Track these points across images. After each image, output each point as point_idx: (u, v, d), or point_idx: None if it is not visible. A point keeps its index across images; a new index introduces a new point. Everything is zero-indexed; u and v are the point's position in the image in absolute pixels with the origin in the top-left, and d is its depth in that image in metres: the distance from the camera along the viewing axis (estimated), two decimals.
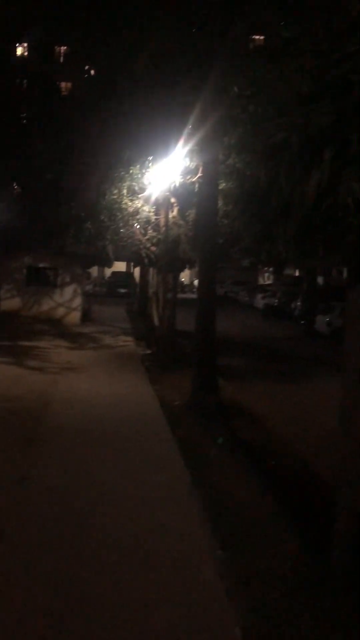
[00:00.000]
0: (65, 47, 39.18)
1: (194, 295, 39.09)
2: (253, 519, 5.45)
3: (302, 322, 25.75)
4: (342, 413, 4.58)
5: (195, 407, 9.73)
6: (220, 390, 10.25)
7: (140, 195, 14.48)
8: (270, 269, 41.31)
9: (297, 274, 39.89)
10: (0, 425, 8.17)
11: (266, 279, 49.81)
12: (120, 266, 42.74)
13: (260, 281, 49.19)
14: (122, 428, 8.33)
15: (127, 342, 18.12)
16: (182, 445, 7.67)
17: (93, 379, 11.93)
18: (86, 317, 23.26)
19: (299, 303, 28.47)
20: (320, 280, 30.24)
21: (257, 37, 12.01)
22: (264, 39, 11.93)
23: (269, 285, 41.57)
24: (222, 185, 12.03)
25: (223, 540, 4.94)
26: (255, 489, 6.26)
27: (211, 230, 10.20)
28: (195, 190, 13.23)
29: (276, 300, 31.75)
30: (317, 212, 3.87)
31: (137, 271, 33.32)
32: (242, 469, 6.90)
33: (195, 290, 47.46)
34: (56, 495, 5.69)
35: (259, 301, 34.71)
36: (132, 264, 35.40)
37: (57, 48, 39.90)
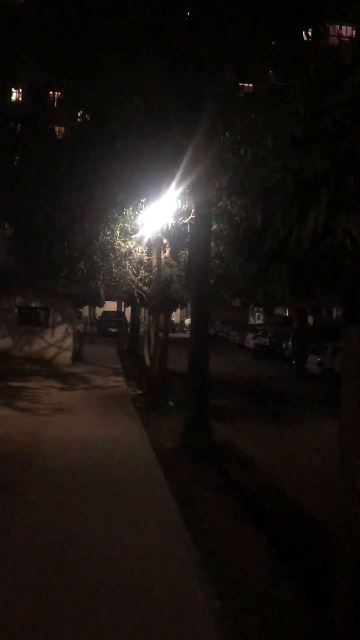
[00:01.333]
0: (58, 92, 40.21)
1: (185, 335, 39.13)
2: (250, 566, 5.28)
3: (293, 362, 25.74)
4: (340, 457, 4.49)
5: (188, 448, 9.57)
6: (212, 432, 10.11)
7: (133, 236, 14.61)
8: (261, 309, 41.55)
9: (287, 313, 40.13)
10: None
11: (256, 318, 50.01)
12: (111, 306, 42.86)
13: (251, 321, 49.35)
14: (113, 471, 8.14)
15: (118, 382, 17.95)
16: (175, 488, 7.49)
17: (84, 420, 11.74)
18: (77, 357, 23.10)
19: (289, 343, 28.52)
20: (310, 320, 30.39)
21: (246, 84, 12.38)
22: (253, 85, 12.31)
23: (259, 324, 41.70)
24: (214, 227, 12.18)
25: (220, 591, 4.76)
26: (250, 534, 6.10)
27: (204, 271, 10.26)
28: (188, 231, 13.38)
29: (267, 340, 31.78)
30: (313, 254, 3.88)
31: (128, 311, 33.40)
32: (237, 513, 6.73)
33: (186, 329, 47.56)
34: (43, 544, 5.48)
35: (250, 341, 34.73)
36: (123, 303, 35.52)
37: (50, 92, 40.95)
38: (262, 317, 46.93)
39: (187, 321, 49.25)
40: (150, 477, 7.94)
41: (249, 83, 12.11)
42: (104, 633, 4.04)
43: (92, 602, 4.45)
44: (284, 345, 29.68)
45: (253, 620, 4.32)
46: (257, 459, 9.65)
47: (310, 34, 10.23)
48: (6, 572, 4.87)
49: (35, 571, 4.90)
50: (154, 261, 14.28)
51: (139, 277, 15.64)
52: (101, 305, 38.07)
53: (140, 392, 16.02)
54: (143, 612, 4.35)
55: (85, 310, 39.46)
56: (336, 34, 10.62)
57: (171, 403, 13.92)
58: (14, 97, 33.83)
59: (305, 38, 10.08)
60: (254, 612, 4.47)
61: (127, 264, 15.39)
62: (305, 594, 4.81)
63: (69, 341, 22.26)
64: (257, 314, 49.83)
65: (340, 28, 10.45)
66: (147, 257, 15.12)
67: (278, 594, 4.79)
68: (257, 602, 4.64)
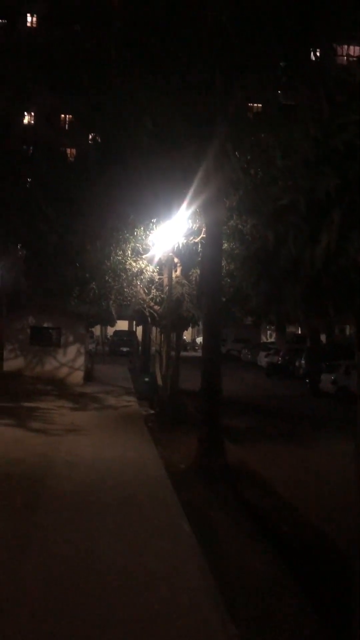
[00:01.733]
0: (69, 116, 40.87)
1: (197, 354, 39.05)
2: (266, 590, 5.18)
3: (306, 380, 25.53)
4: (357, 478, 4.41)
5: (201, 469, 9.47)
6: (226, 452, 10.00)
7: (144, 256, 14.67)
8: (273, 327, 41.41)
9: (299, 331, 39.94)
10: (1, 490, 7.92)
11: (269, 336, 49.82)
12: (122, 325, 42.91)
13: (263, 339, 49.16)
14: (126, 492, 8.06)
15: (130, 402, 17.90)
16: (189, 510, 7.40)
17: (96, 440, 11.69)
18: (89, 376, 23.12)
19: (302, 361, 28.33)
20: (322, 338, 30.21)
21: (256, 104, 12.48)
22: (262, 106, 12.40)
23: (271, 343, 41.51)
24: (225, 246, 12.20)
25: (236, 616, 4.65)
26: (266, 557, 5.99)
27: (215, 290, 10.24)
28: (199, 250, 13.41)
29: (279, 359, 31.60)
30: (326, 273, 3.86)
31: (139, 330, 33.41)
32: (252, 536, 6.63)
33: (197, 348, 47.45)
34: (56, 568, 5.42)
35: (262, 359, 34.56)
36: (134, 322, 35.58)
37: (61, 116, 41.63)
38: (274, 335, 46.75)
39: (199, 340, 49.18)
40: (164, 499, 7.85)
41: (258, 103, 12.20)
42: None
43: (107, 626, 4.37)
44: (297, 364, 29.49)
45: None
46: (272, 480, 9.53)
47: (318, 54, 10.33)
48: (20, 596, 4.81)
49: (49, 595, 4.84)
50: (165, 280, 14.30)
51: (151, 296, 15.66)
52: (113, 325, 38.13)
53: (152, 411, 15.95)
54: (158, 635, 4.26)
55: (96, 330, 39.58)
56: (344, 54, 10.71)
57: (184, 422, 13.82)
58: (26, 121, 34.44)
59: (313, 59, 10.17)
60: (271, 638, 4.37)
61: (139, 284, 15.43)
62: (324, 619, 4.69)
63: (80, 361, 22.30)
64: (269, 332, 49.67)
65: (348, 48, 10.55)
66: (158, 277, 15.16)
67: (296, 620, 4.69)
68: (274, 628, 4.54)
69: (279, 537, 6.86)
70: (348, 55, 10.41)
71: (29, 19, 42.60)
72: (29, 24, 42.46)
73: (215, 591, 5.12)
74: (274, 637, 4.40)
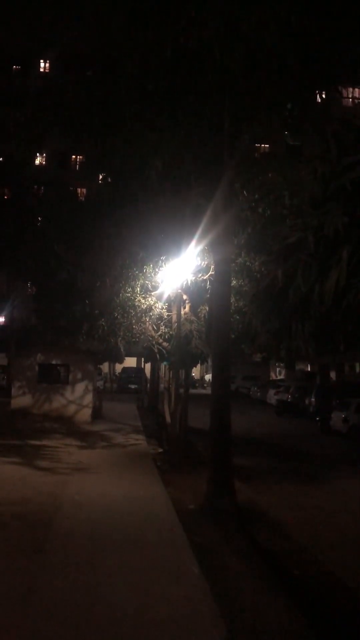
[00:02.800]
0: (80, 156, 41.82)
1: (205, 391, 38.84)
2: (278, 636, 4.99)
3: (317, 418, 25.22)
4: None
5: (211, 510, 9.29)
6: (236, 492, 9.82)
7: (153, 293, 14.76)
8: (282, 364, 41.20)
9: (309, 368, 39.68)
10: (7, 530, 7.79)
11: (278, 373, 49.51)
12: (131, 362, 42.87)
13: (272, 376, 48.85)
14: (134, 534, 7.89)
15: (138, 440, 17.72)
16: (198, 552, 7.22)
17: (104, 480, 11.53)
18: (97, 414, 22.97)
19: (312, 399, 28.04)
20: (332, 375, 29.98)
21: (263, 145, 12.73)
22: (270, 146, 12.65)
23: (281, 380, 41.22)
24: (234, 282, 12.26)
25: None
26: (278, 601, 5.80)
27: (224, 326, 10.23)
28: (207, 287, 13.48)
29: (289, 396, 31.32)
30: (336, 309, 3.86)
31: (147, 367, 33.34)
32: (263, 578, 6.44)
33: (206, 385, 47.20)
34: (63, 612, 5.27)
35: (272, 397, 34.25)
36: (142, 359, 35.52)
37: (72, 156, 42.62)
38: (283, 372, 46.47)
39: (208, 377, 48.96)
40: (173, 541, 7.68)
41: (266, 144, 12.45)
42: None
43: None
44: (307, 402, 29.19)
45: None
46: (283, 521, 9.32)
47: (324, 96, 10.56)
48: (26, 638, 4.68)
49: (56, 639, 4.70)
50: (174, 317, 14.34)
51: (159, 332, 15.68)
52: (121, 362, 38.17)
53: (161, 450, 15.76)
54: None
55: (105, 367, 39.54)
56: (349, 96, 10.95)
57: (193, 461, 13.64)
58: (38, 161, 35.25)
59: (319, 100, 10.40)
60: None
61: (147, 320, 15.48)
62: None
63: (88, 398, 22.20)
64: (278, 369, 49.39)
65: (354, 90, 10.79)
66: (167, 313, 15.21)
67: None
68: None
69: (290, 580, 6.66)
70: (353, 97, 10.65)
71: (42, 64, 44.13)
72: (42, 69, 43.96)
73: (226, 637, 4.95)
74: None
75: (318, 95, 10.57)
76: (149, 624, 5.12)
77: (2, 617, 5.11)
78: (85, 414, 21.91)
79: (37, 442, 15.84)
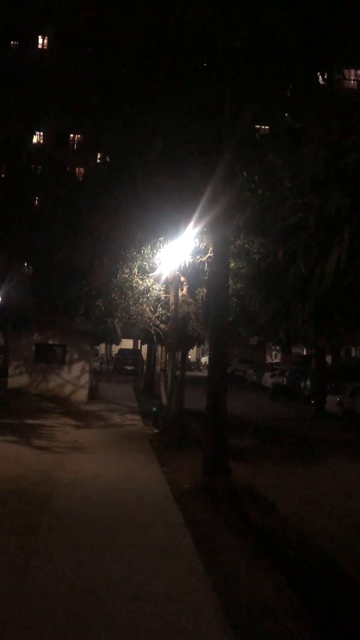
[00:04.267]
0: (78, 135, 41.40)
1: (201, 373, 38.88)
2: (272, 615, 5.08)
3: (312, 402, 25.37)
4: None
5: (206, 490, 9.37)
6: (231, 473, 9.90)
7: (151, 274, 14.72)
8: (278, 348, 41.32)
9: (305, 352, 39.81)
10: (2, 508, 7.85)
11: (274, 357, 49.67)
12: (127, 343, 42.93)
13: (268, 359, 49.01)
14: (130, 512, 7.97)
15: (134, 420, 17.81)
16: (193, 530, 7.31)
17: (100, 459, 11.61)
18: (93, 394, 23.04)
19: (308, 382, 28.18)
20: (328, 359, 30.09)
21: (264, 126, 12.62)
22: (270, 128, 12.53)
23: (276, 364, 41.37)
24: (232, 265, 12.24)
25: (241, 638, 4.56)
26: (271, 578, 5.89)
27: (222, 308, 10.23)
28: (205, 269, 13.46)
29: (285, 380, 31.45)
30: (336, 291, 3.86)
31: (144, 348, 33.40)
32: (256, 557, 6.53)
33: (202, 367, 47.25)
34: (59, 588, 5.34)
35: (267, 380, 34.39)
36: (139, 341, 35.58)
37: (70, 135, 42.20)
38: (279, 355, 46.61)
39: (204, 359, 49.06)
40: (168, 519, 7.76)
41: (266, 125, 12.33)
42: None
43: None
44: (302, 385, 29.33)
45: None
46: (277, 501, 9.41)
47: (327, 77, 10.44)
48: (22, 616, 4.74)
49: (51, 616, 4.76)
50: (172, 299, 14.33)
51: (156, 314, 15.67)
52: (118, 343, 38.21)
53: (156, 430, 15.85)
54: None
55: (101, 348, 39.58)
56: (353, 78, 10.83)
57: (188, 442, 13.73)
58: (35, 140, 34.88)
59: (322, 82, 10.29)
60: None
61: (145, 302, 15.47)
62: None
63: (85, 378, 22.26)
64: (274, 352, 49.53)
65: (357, 72, 10.67)
66: (164, 295, 15.19)
67: None
68: None
69: (283, 558, 6.75)
70: (356, 79, 10.54)
71: (40, 40, 43.39)
72: (40, 46, 43.26)
73: (220, 613, 5.04)
74: None
75: (321, 77, 10.46)
76: (145, 599, 5.19)
77: None
78: (82, 394, 21.99)
79: (34, 421, 15.90)
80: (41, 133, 37.78)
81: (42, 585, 5.37)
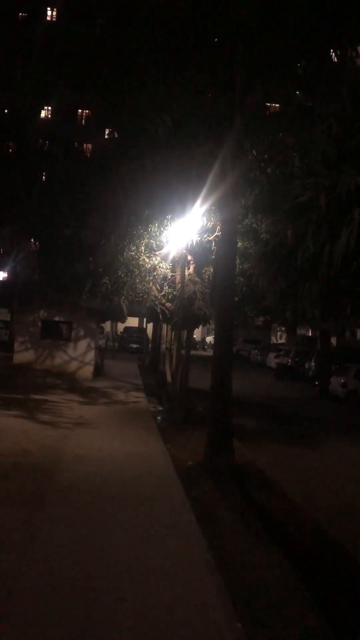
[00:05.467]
0: (86, 110, 40.95)
1: (206, 353, 38.89)
2: (273, 590, 5.16)
3: (316, 383, 25.44)
4: None
5: (209, 467, 9.47)
6: (234, 451, 9.98)
7: (157, 253, 14.68)
8: (284, 328, 41.30)
9: (310, 333, 39.80)
10: (8, 481, 7.95)
11: (279, 338, 49.67)
12: (133, 322, 43.00)
13: (273, 340, 49.03)
14: (134, 488, 8.07)
15: (139, 398, 17.92)
16: (196, 507, 7.40)
17: (105, 435, 11.71)
18: (98, 371, 23.18)
19: (312, 363, 28.22)
20: (333, 340, 30.09)
21: (274, 104, 12.43)
22: (280, 106, 12.35)
23: (281, 344, 41.38)
24: (239, 244, 12.17)
25: (242, 614, 4.65)
26: (272, 556, 5.97)
27: (229, 288, 10.21)
28: (212, 248, 13.40)
29: (289, 360, 31.51)
30: (345, 272, 3.83)
31: (149, 327, 33.45)
32: (258, 534, 6.61)
33: (207, 347, 47.29)
34: (63, 560, 5.43)
35: (272, 360, 34.47)
36: (145, 319, 35.63)
37: (78, 110, 41.76)
38: (284, 336, 46.61)
39: (209, 339, 49.14)
40: (172, 496, 7.85)
41: (276, 103, 12.15)
42: None
43: (114, 620, 4.38)
44: (306, 366, 29.39)
45: None
46: (279, 480, 9.50)
47: (340, 54, 10.24)
48: (27, 585, 4.83)
49: (55, 587, 4.85)
50: (178, 277, 14.30)
51: (163, 293, 15.67)
52: (123, 321, 38.25)
53: (161, 408, 15.96)
54: (164, 632, 4.27)
55: (107, 326, 39.67)
56: None
57: (192, 420, 13.83)
58: (43, 115, 34.54)
59: (335, 59, 10.10)
60: (277, 637, 4.35)
61: (151, 280, 15.44)
62: (330, 620, 4.67)
63: (90, 355, 22.36)
64: (279, 333, 49.53)
65: None
66: (171, 274, 15.16)
67: (302, 619, 4.67)
68: (280, 626, 4.52)
69: (284, 536, 6.84)
70: None
71: (49, 13, 42.68)
72: (49, 19, 42.56)
73: (221, 588, 5.12)
74: (279, 633, 4.39)
75: (333, 53, 10.25)
76: (148, 573, 5.28)
77: (4, 562, 5.26)
78: (87, 371, 22.11)
79: (39, 397, 16.02)
80: (49, 108, 37.41)
81: (47, 557, 5.46)
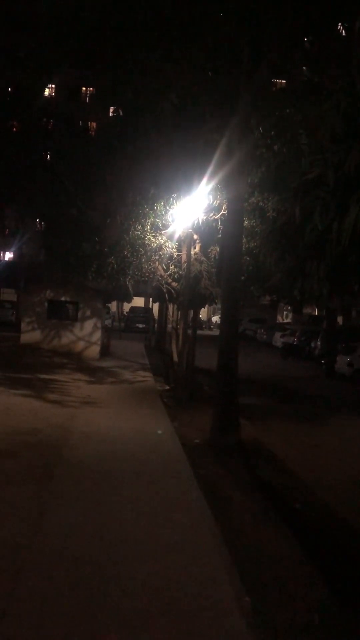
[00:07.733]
0: (91, 88, 40.48)
1: (212, 332, 38.95)
2: (280, 564, 5.25)
3: (322, 362, 25.47)
4: None
5: (216, 445, 9.55)
6: (240, 429, 10.06)
7: (163, 232, 14.60)
8: (290, 308, 41.24)
9: (316, 312, 39.72)
10: (17, 459, 8.06)
11: (285, 317, 49.62)
12: (139, 302, 43.03)
13: (279, 319, 48.99)
14: (141, 466, 8.16)
15: (145, 377, 18.02)
16: (203, 484, 7.49)
17: (112, 414, 11.81)
18: (105, 351, 23.28)
19: (318, 342, 28.22)
20: (339, 319, 30.04)
21: (281, 80, 12.26)
22: (287, 81, 12.17)
23: (287, 323, 41.36)
24: (245, 223, 12.10)
25: (250, 587, 4.73)
26: (280, 532, 6.05)
27: (235, 267, 10.18)
28: (219, 227, 13.32)
29: (295, 339, 31.51)
30: (353, 249, 3.82)
31: (155, 307, 33.47)
32: (266, 511, 6.69)
33: (212, 327, 47.33)
34: (73, 536, 5.52)
35: (278, 340, 34.48)
36: (150, 299, 35.63)
37: (83, 88, 41.29)
38: (290, 316, 46.56)
39: (215, 318, 49.16)
40: (179, 473, 7.94)
41: (283, 79, 11.97)
42: (135, 623, 4.05)
43: (124, 595, 4.47)
44: (312, 345, 29.39)
45: (283, 617, 4.29)
46: (285, 458, 9.57)
47: (347, 27, 10.05)
48: (36, 564, 4.93)
49: (65, 564, 4.94)
50: (184, 257, 14.26)
51: (169, 272, 15.63)
52: (129, 301, 38.26)
53: (167, 387, 16.05)
54: (174, 606, 4.35)
55: (113, 306, 39.73)
56: None
57: (199, 399, 13.91)
58: (47, 93, 34.18)
59: (343, 33, 9.91)
60: (284, 608, 4.44)
61: (157, 259, 15.40)
62: (336, 593, 4.75)
63: (97, 335, 22.46)
64: (285, 312, 49.46)
65: None
66: (177, 253, 15.10)
67: (308, 592, 4.75)
68: (287, 599, 4.61)
69: (291, 512, 6.92)
70: None
71: None
72: None
73: (229, 562, 5.21)
74: (287, 606, 4.47)
75: (342, 27, 10.06)
76: (155, 546, 5.37)
77: (16, 537, 5.36)
78: (94, 350, 22.23)
79: (47, 376, 16.14)
80: (53, 85, 37.02)
81: (56, 532, 5.56)
